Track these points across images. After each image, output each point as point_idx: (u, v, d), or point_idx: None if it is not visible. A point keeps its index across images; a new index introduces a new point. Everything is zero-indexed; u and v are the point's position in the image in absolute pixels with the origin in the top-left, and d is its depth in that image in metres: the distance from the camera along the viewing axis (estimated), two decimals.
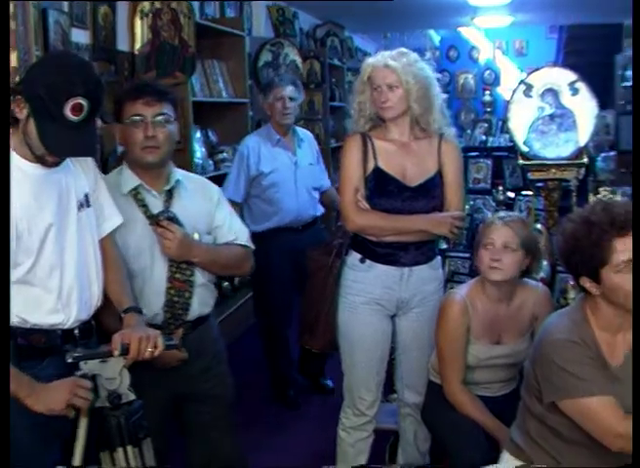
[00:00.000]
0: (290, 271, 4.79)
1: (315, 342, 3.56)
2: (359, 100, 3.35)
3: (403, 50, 3.36)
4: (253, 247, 3.20)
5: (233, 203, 4.90)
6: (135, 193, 2.93)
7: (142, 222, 2.91)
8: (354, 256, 3.38)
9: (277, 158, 4.82)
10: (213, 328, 3.21)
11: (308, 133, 5.17)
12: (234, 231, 3.12)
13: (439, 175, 3.34)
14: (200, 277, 3.01)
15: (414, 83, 3.24)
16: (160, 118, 2.88)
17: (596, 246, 2.38)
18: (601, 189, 3.93)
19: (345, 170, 3.34)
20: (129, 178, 2.94)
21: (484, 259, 3.15)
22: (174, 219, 2.88)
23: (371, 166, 3.30)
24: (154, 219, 2.88)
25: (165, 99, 2.92)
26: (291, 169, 4.84)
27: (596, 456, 2.45)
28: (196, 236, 2.95)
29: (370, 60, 3.35)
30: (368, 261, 3.34)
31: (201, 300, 3.04)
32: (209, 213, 3.06)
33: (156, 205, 2.94)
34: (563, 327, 2.47)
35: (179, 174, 3.04)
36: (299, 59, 7.79)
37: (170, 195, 2.97)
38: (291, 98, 4.79)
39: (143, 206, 2.92)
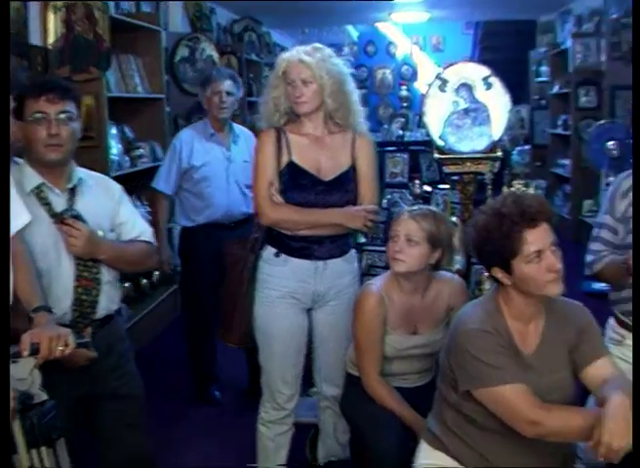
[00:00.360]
0: (218, 268, 4.76)
1: (231, 337, 3.55)
2: (274, 95, 3.34)
3: (317, 45, 3.37)
4: (156, 243, 3.21)
5: (164, 195, 4.88)
6: (37, 192, 2.87)
7: (47, 221, 2.85)
8: (269, 251, 3.38)
9: (210, 152, 4.77)
10: (120, 326, 3.18)
11: (246, 130, 5.09)
12: (138, 228, 3.11)
13: (353, 170, 3.36)
14: (106, 274, 2.98)
15: (328, 78, 3.25)
16: (63, 116, 2.84)
17: (507, 237, 2.42)
18: (515, 182, 3.99)
19: (259, 164, 3.34)
20: (31, 177, 2.88)
21: (389, 251, 3.20)
22: (78, 217, 2.85)
23: (285, 160, 3.30)
24: (59, 218, 2.84)
25: (68, 97, 2.87)
26: (223, 164, 4.81)
27: (511, 443, 2.49)
28: (100, 233, 2.93)
29: (284, 55, 3.35)
30: (283, 255, 3.34)
31: (108, 298, 3.00)
32: (112, 210, 3.04)
33: (59, 203, 2.89)
34: (476, 317, 2.52)
35: (80, 172, 3.00)
36: (215, 55, 7.75)
37: (73, 193, 2.93)
38: (228, 93, 4.74)
39: (47, 204, 2.87)
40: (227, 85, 4.76)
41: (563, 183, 10.27)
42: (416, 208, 3.32)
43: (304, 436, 3.87)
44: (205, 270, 4.76)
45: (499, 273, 2.50)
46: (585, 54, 9.31)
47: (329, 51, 3.37)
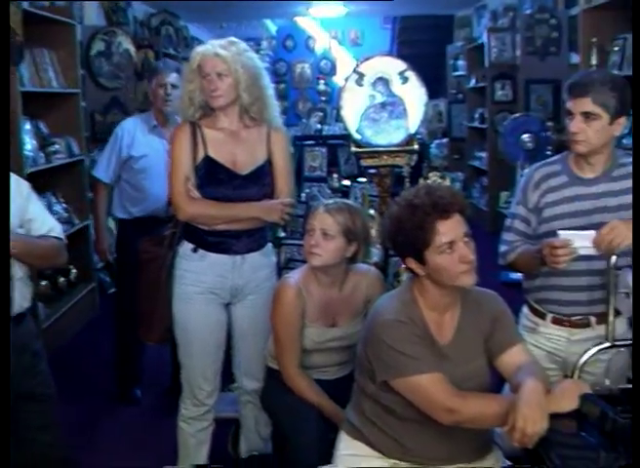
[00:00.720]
0: None
1: (152, 335, 3.53)
2: (189, 89, 3.32)
3: (233, 39, 3.36)
4: (66, 241, 3.16)
5: (103, 184, 4.78)
6: None
7: None
8: (186, 246, 3.36)
9: (150, 144, 4.67)
10: (34, 324, 3.13)
11: None
12: (47, 224, 3.07)
13: (269, 164, 3.36)
14: (18, 270, 2.94)
15: (243, 72, 3.25)
16: None
17: (419, 228, 2.46)
18: (431, 174, 4.04)
19: (175, 159, 3.31)
20: None
21: (305, 245, 3.22)
22: None
23: (201, 155, 3.29)
24: None
25: None
26: (163, 157, 4.72)
27: (429, 431, 2.53)
28: None
29: (199, 49, 3.33)
30: (200, 250, 3.33)
31: (21, 295, 2.96)
32: (20, 206, 2.98)
33: None
34: (392, 307, 2.54)
35: None
36: (132, 48, 7.66)
37: None
38: (173, 86, 4.64)
39: None
40: (173, 78, 4.64)
41: (480, 176, 10.43)
42: (331, 202, 3.33)
43: (226, 431, 3.86)
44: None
45: (412, 264, 2.53)
46: (501, 48, 9.46)
47: (244, 45, 3.36)
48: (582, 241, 2.69)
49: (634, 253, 2.57)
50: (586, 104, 2.85)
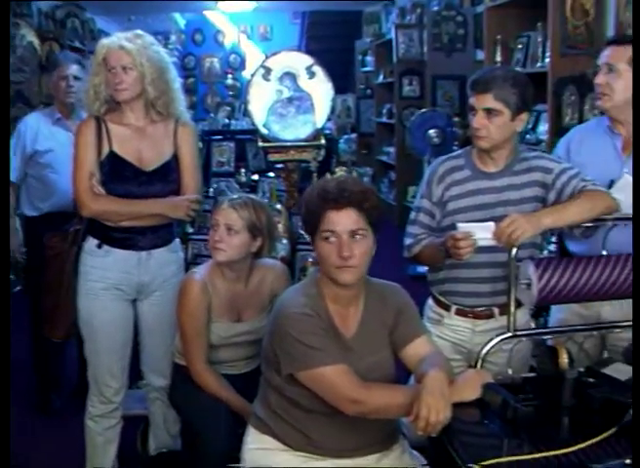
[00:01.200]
0: None
1: (56, 332, 3.48)
2: (94, 83, 3.28)
3: (139, 32, 3.32)
4: None
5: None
6: None
7: None
8: (91, 242, 3.32)
9: (55, 137, 4.56)
10: None
11: None
12: None
13: (175, 159, 3.34)
14: None
15: (149, 65, 3.22)
16: None
17: (312, 212, 2.52)
18: (337, 169, 4.08)
19: (78, 155, 3.27)
20: None
21: (210, 240, 3.22)
22: None
23: (105, 150, 3.25)
24: None
25: None
26: (69, 150, 4.62)
27: (336, 423, 2.55)
28: None
29: (104, 42, 3.29)
30: (105, 246, 3.29)
31: None
32: None
33: None
34: (297, 301, 2.56)
35: None
36: (36, 41, 7.51)
37: None
38: (75, 77, 4.55)
39: None
40: (74, 69, 4.55)
41: (388, 170, 10.54)
42: (236, 197, 3.33)
43: (135, 429, 3.83)
44: None
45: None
46: (408, 45, 9.56)
47: (150, 38, 3.33)
48: (483, 232, 2.74)
49: (634, 253, 2.60)
50: (488, 100, 2.91)
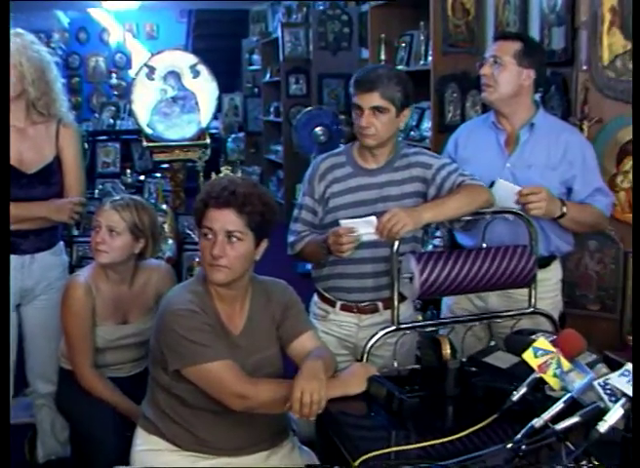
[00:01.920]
0: None
1: None
2: None
3: (19, 30, 3.26)
4: None
5: None
6: None
7: None
8: None
9: None
10: None
11: None
12: None
13: (58, 161, 3.28)
14: None
15: (28, 65, 3.17)
16: None
17: (196, 210, 2.55)
18: (223, 168, 4.07)
19: None
20: None
21: (92, 242, 3.19)
22: None
23: None
24: None
25: None
26: None
27: (224, 421, 2.56)
28: None
29: None
30: None
31: None
32: None
33: None
34: (183, 298, 2.56)
35: None
36: None
37: None
38: None
39: None
40: None
41: (277, 169, 10.55)
42: (118, 198, 3.30)
43: (22, 438, 3.75)
44: None
45: None
46: (294, 43, 9.58)
47: (31, 37, 3.27)
48: (364, 228, 2.77)
49: (634, 253, 2.64)
50: (375, 99, 2.94)
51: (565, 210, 3.08)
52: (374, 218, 2.78)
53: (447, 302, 3.42)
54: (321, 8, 9.09)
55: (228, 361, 2.47)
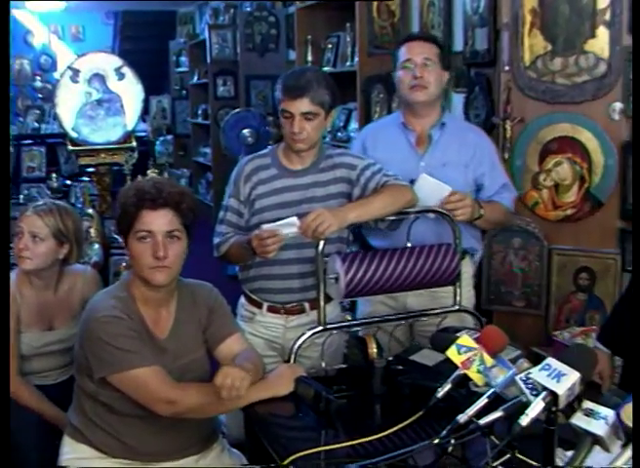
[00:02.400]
0: None
1: None
2: None
3: None
4: None
5: None
6: None
7: None
8: None
9: None
10: None
11: None
12: None
13: None
14: None
15: None
16: None
17: (126, 212, 2.50)
18: (149, 171, 4.05)
19: None
20: None
21: (14, 248, 3.14)
22: None
23: None
24: None
25: None
26: None
27: (152, 427, 2.55)
28: None
29: None
30: None
31: None
32: None
33: None
34: (106, 304, 2.53)
35: None
36: None
37: None
38: None
39: None
40: None
41: (205, 171, 10.51)
42: (41, 203, 3.25)
43: None
44: None
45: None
46: (222, 45, 9.55)
47: None
48: (287, 229, 2.77)
49: (634, 253, 2.64)
50: (305, 105, 2.95)
51: (482, 212, 3.15)
52: (295, 219, 2.78)
53: (361, 310, 3.45)
54: (248, 9, 9.08)
55: (155, 366, 2.45)
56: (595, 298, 3.96)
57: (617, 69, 3.81)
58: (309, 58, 6.76)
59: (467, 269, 3.40)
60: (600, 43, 3.85)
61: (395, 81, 3.36)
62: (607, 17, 3.83)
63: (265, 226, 2.81)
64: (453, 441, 1.98)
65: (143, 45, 12.81)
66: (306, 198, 3.04)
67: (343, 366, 2.84)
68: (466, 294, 3.34)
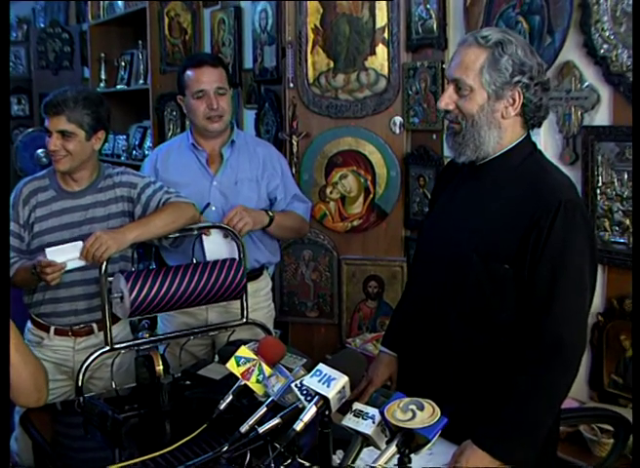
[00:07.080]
0: None
1: None
2: None
3: None
4: None
5: None
6: None
7: None
8: None
9: None
10: None
11: None
12: None
13: None
14: None
15: None
16: None
17: None
18: None
19: None
20: None
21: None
22: None
23: None
24: None
25: None
26: None
27: None
28: None
29: None
30: None
31: None
32: None
33: None
34: None
35: None
36: None
37: None
38: None
39: None
40: None
41: None
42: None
43: None
44: None
45: None
46: (15, 62, 9.27)
47: None
48: (71, 252, 2.75)
49: (634, 255, 2.53)
50: (62, 123, 2.93)
51: (271, 214, 3.24)
52: (80, 243, 2.76)
53: (162, 329, 3.46)
54: (42, 26, 8.87)
55: None
56: (385, 305, 4.13)
57: (396, 85, 4.01)
58: (103, 75, 6.69)
59: (265, 283, 3.47)
60: (380, 60, 4.04)
61: (186, 107, 3.37)
62: (385, 35, 4.01)
63: (49, 250, 2.76)
64: (235, 451, 2.03)
65: None
66: (87, 219, 3.01)
67: (134, 385, 2.83)
68: (267, 309, 3.41)
